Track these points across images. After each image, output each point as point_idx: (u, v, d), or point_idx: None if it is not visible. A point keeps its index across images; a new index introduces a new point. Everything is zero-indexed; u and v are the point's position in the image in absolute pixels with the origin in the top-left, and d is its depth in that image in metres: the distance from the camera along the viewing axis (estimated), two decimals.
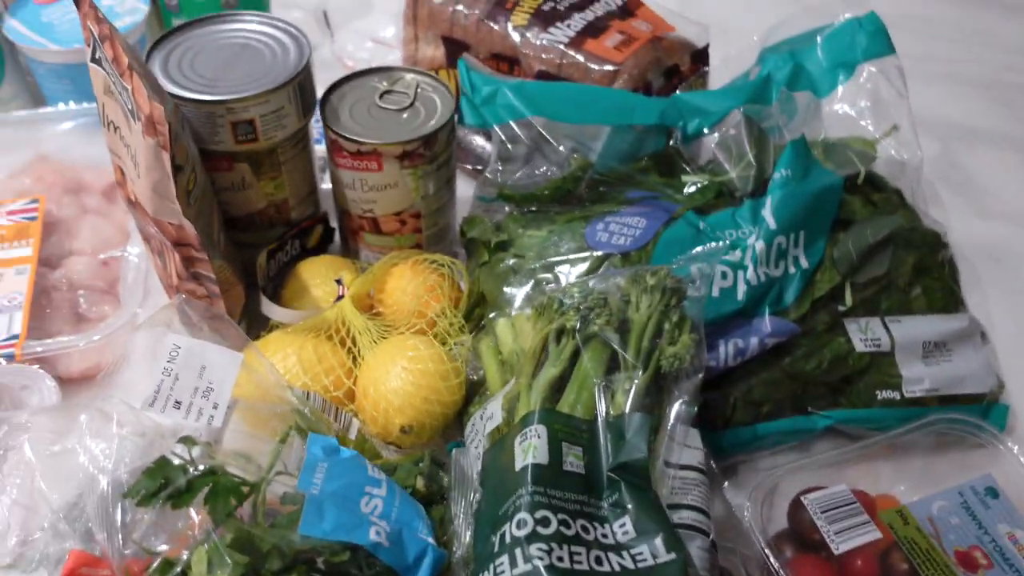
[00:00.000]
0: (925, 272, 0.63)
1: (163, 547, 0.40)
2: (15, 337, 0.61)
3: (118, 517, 0.40)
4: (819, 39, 0.70)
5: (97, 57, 0.55)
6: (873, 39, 0.68)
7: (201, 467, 0.42)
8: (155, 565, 0.39)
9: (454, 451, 0.50)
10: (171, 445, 0.44)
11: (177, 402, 0.46)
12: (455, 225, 0.71)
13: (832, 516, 0.50)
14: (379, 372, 0.56)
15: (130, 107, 0.51)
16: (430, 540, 0.46)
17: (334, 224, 0.72)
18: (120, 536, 0.40)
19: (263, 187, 0.65)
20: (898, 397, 0.59)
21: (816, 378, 0.59)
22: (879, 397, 0.59)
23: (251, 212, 0.66)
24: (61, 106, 0.79)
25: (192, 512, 0.42)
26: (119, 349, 0.65)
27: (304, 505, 0.43)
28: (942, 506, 0.51)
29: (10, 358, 0.60)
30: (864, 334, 0.60)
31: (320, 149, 0.71)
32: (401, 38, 0.83)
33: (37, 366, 0.60)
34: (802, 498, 0.51)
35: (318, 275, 0.64)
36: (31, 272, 0.66)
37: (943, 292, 0.63)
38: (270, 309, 0.62)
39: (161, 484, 0.41)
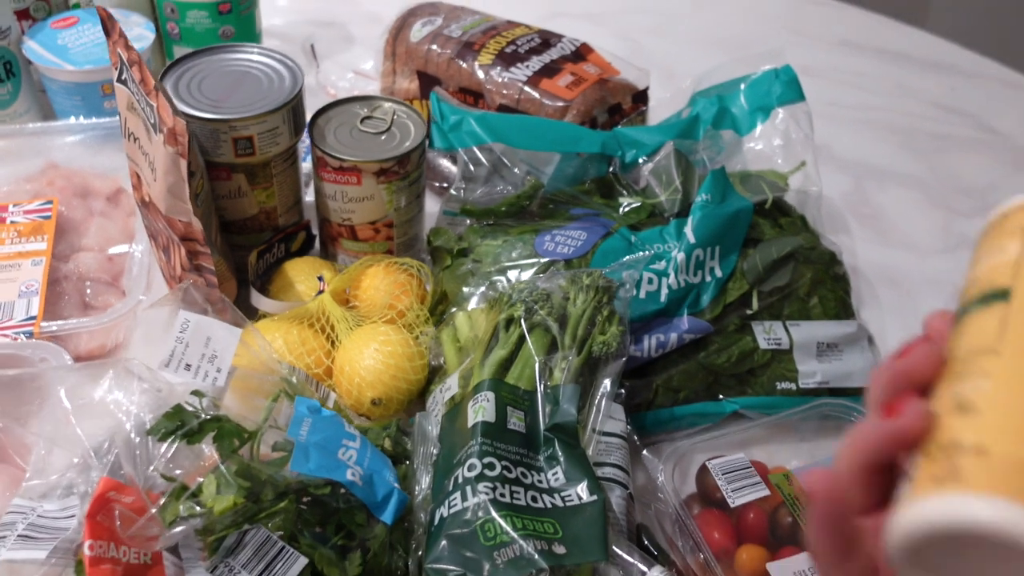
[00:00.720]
0: (821, 284, 0.73)
1: (179, 473, 0.49)
2: (33, 318, 0.70)
3: (142, 451, 0.49)
4: (742, 86, 0.81)
5: (123, 78, 0.64)
6: (787, 88, 0.80)
7: (209, 414, 0.52)
8: (172, 489, 0.48)
9: (417, 415, 0.60)
10: (183, 397, 0.53)
11: (188, 365, 0.55)
12: (422, 235, 0.81)
13: (731, 477, 0.60)
14: (354, 352, 0.66)
15: (152, 121, 0.61)
16: (396, 485, 0.55)
17: (315, 231, 0.82)
18: (144, 466, 0.49)
19: (256, 196, 0.75)
20: (794, 388, 0.69)
21: (726, 370, 0.69)
22: (778, 387, 0.69)
23: (245, 217, 0.76)
24: (72, 120, 0.88)
25: (204, 448, 0.51)
26: (123, 332, 0.74)
27: (294, 449, 0.52)
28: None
29: (29, 335, 0.69)
30: (767, 334, 0.70)
31: (305, 165, 0.81)
32: (380, 71, 0.93)
33: (53, 343, 0.68)
34: (707, 463, 0.62)
35: (302, 273, 0.74)
36: (46, 263, 0.75)
37: (836, 302, 0.74)
38: (259, 300, 0.71)
39: (178, 425, 0.50)
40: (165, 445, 0.51)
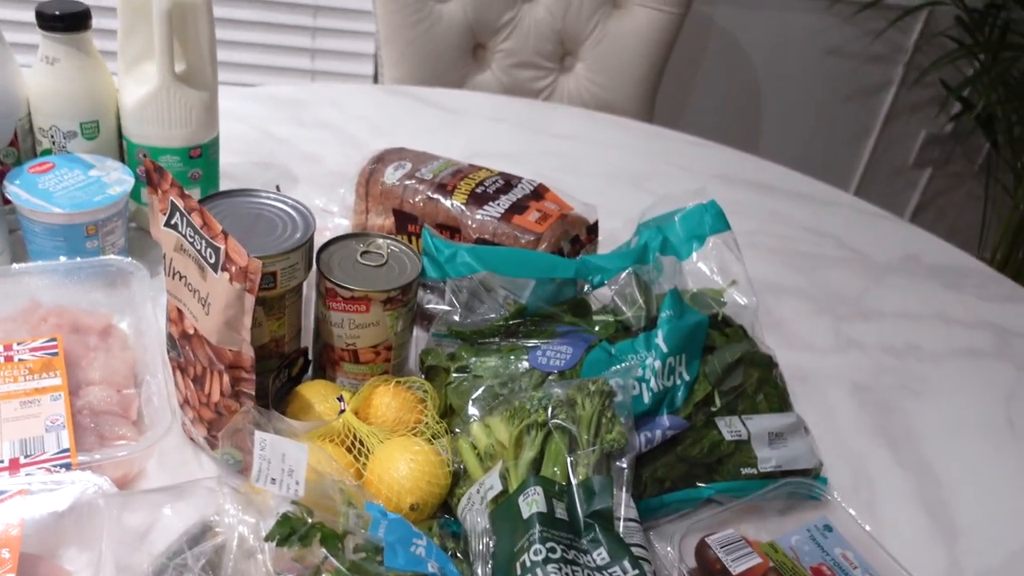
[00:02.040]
0: (765, 383, 0.87)
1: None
2: (66, 450, 0.73)
3: (259, 555, 0.55)
4: (677, 218, 0.96)
5: (173, 223, 0.71)
6: (716, 219, 0.95)
7: (310, 520, 0.58)
8: None
9: (463, 511, 0.68)
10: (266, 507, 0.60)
11: (272, 479, 0.62)
12: (412, 356, 0.89)
13: (728, 550, 0.71)
14: (390, 462, 0.73)
15: (212, 261, 0.68)
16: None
17: (310, 357, 0.89)
18: (263, 569, 0.54)
19: (269, 326, 0.82)
20: (756, 472, 0.82)
21: (699, 460, 0.81)
22: (743, 472, 0.81)
23: (259, 345, 0.82)
24: (63, 259, 0.92)
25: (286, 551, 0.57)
26: (143, 461, 0.78)
27: (385, 547, 0.59)
28: (797, 539, 0.73)
29: (68, 467, 0.72)
30: (729, 427, 0.83)
31: None
32: (346, 207, 1.02)
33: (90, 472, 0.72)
34: (706, 539, 0.72)
35: (318, 395, 0.81)
36: (65, 397, 0.78)
37: (778, 397, 0.87)
38: (286, 423, 0.77)
39: (291, 531, 0.56)
40: (268, 549, 0.57)
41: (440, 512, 0.76)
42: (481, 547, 0.65)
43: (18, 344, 0.83)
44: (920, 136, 2.71)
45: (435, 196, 0.94)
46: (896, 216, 1.45)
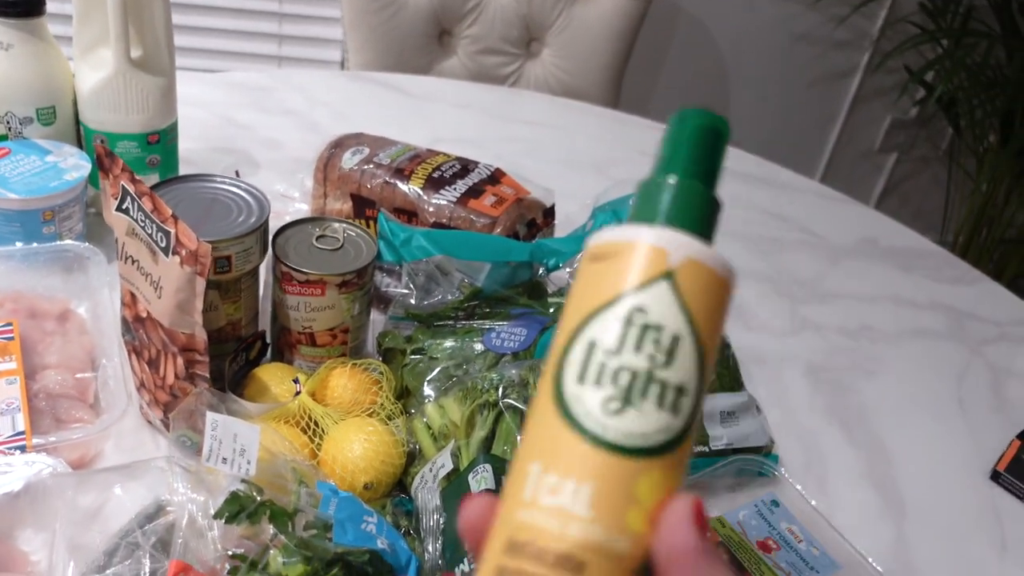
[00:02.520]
0: (718, 363, 0.89)
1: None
2: (22, 433, 0.73)
3: (209, 533, 0.56)
4: (631, 202, 0.97)
5: (125, 207, 0.71)
6: None
7: (259, 498, 0.59)
8: (244, 564, 0.55)
9: (416, 490, 0.69)
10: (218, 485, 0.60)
11: (223, 458, 0.62)
12: (369, 339, 0.90)
13: None
14: (344, 443, 0.74)
15: (163, 245, 0.68)
16: (412, 552, 0.64)
17: (268, 340, 0.89)
18: (212, 545, 0.55)
19: (225, 309, 0.82)
20: (707, 450, 0.83)
21: None
22: (695, 450, 0.83)
23: (214, 329, 0.83)
24: (19, 244, 0.91)
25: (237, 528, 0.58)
26: (100, 443, 0.78)
27: (334, 524, 0.60)
28: (744, 515, 0.75)
29: (23, 449, 0.72)
30: None
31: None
32: (306, 192, 1.03)
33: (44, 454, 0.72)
34: None
35: (274, 378, 0.81)
36: (21, 381, 0.78)
37: (730, 377, 0.89)
38: (242, 404, 0.78)
39: (239, 508, 0.57)
40: (217, 527, 0.57)
41: (395, 491, 0.77)
42: (432, 524, 0.66)
43: None
44: (886, 121, 2.74)
45: (392, 181, 0.95)
46: (858, 201, 1.47)
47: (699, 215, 0.34)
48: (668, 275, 0.32)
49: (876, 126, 2.76)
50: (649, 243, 0.32)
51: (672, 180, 0.34)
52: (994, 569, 0.84)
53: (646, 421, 0.31)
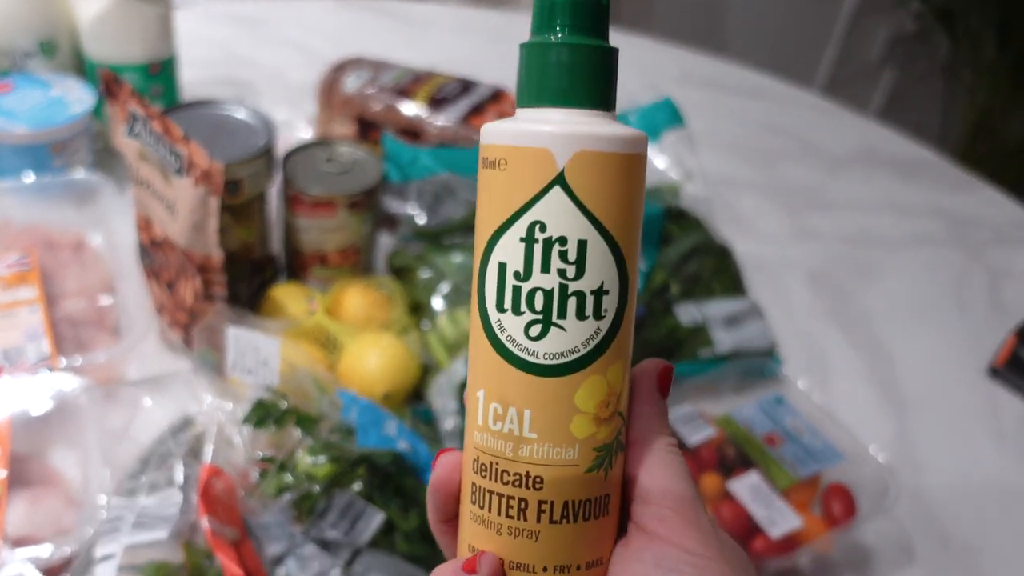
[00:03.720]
0: (720, 271, 0.91)
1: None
2: (47, 357, 0.76)
3: (238, 438, 0.58)
4: (632, 117, 0.98)
5: (136, 132, 0.73)
6: (670, 116, 0.97)
7: (285, 404, 0.61)
8: (275, 466, 0.58)
9: (434, 396, 0.72)
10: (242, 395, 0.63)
11: (248, 370, 0.65)
12: (378, 258, 0.92)
13: (684, 424, 0.75)
14: (361, 355, 0.76)
15: (177, 166, 0.70)
16: (432, 452, 0.67)
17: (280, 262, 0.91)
18: (242, 449, 0.58)
19: (238, 232, 0.84)
20: (713, 354, 0.86)
21: (660, 343, 0.85)
22: (700, 355, 0.85)
23: (228, 251, 0.84)
24: (32, 177, 0.93)
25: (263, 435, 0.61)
26: (123, 366, 0.81)
27: (357, 428, 0.62)
28: (750, 412, 0.78)
29: (51, 371, 0.75)
30: (686, 313, 0.86)
31: None
32: (310, 120, 1.04)
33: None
34: None
35: (290, 297, 0.84)
36: (43, 308, 0.80)
37: (732, 284, 0.91)
38: (261, 322, 0.80)
39: (265, 414, 0.59)
40: (247, 432, 0.60)
41: (414, 402, 0.79)
42: (450, 427, 0.69)
43: None
44: (884, 36, 2.72)
45: (395, 102, 0.96)
46: (855, 112, 1.48)
47: (586, 83, 0.30)
48: (558, 179, 0.29)
49: (874, 40, 2.74)
50: (533, 146, 0.30)
51: (551, 39, 0.30)
52: (992, 459, 0.87)
53: (571, 336, 0.30)
